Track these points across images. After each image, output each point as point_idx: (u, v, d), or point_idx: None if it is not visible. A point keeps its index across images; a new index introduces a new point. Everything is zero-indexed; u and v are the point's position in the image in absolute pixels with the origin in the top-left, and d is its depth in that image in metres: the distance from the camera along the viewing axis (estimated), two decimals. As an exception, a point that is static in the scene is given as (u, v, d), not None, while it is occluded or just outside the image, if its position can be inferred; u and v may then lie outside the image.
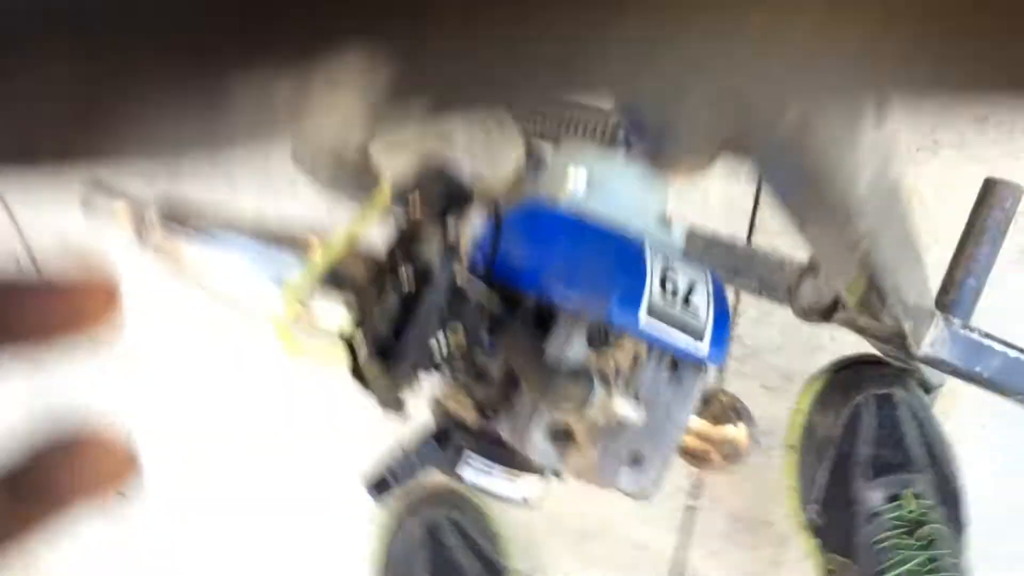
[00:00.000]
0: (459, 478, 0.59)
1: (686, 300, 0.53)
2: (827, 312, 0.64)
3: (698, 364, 0.55)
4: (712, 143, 0.28)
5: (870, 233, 0.33)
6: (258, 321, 0.68)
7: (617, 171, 0.59)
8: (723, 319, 0.54)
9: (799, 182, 0.27)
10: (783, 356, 1.24)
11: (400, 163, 0.63)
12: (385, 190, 0.65)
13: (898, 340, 0.64)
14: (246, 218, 0.65)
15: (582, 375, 0.48)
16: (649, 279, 0.51)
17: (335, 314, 0.64)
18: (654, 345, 0.52)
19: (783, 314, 1.06)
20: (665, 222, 0.60)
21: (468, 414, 0.58)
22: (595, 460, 0.53)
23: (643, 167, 0.63)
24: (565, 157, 0.61)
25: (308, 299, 0.64)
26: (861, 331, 0.68)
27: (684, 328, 0.52)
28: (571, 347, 0.52)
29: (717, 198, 1.32)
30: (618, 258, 0.52)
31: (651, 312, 0.51)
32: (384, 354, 0.51)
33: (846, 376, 0.89)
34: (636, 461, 0.55)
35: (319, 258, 0.62)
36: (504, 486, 0.60)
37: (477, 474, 0.59)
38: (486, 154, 0.60)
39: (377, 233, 0.80)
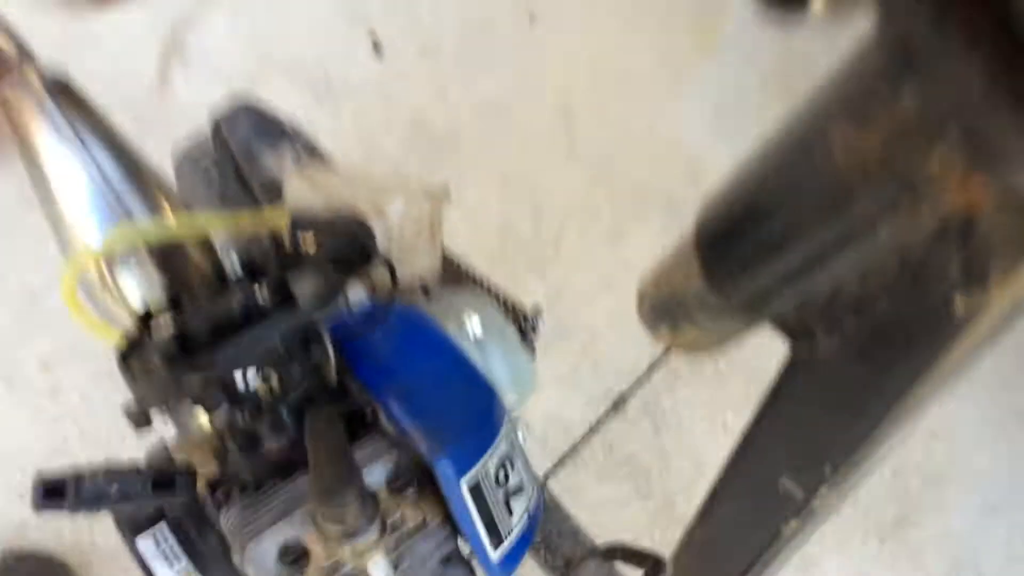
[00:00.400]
0: (131, 544, 0.46)
1: (507, 500, 0.48)
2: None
3: (471, 572, 0.48)
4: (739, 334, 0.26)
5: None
6: (58, 245, 0.55)
7: (506, 347, 0.56)
8: (525, 543, 0.49)
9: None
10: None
11: (316, 201, 0.58)
12: (284, 212, 0.58)
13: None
14: (126, 143, 0.56)
15: (369, 504, 0.40)
16: (490, 454, 0.46)
17: (147, 284, 0.53)
18: (448, 525, 0.46)
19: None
20: (519, 418, 0.56)
21: (199, 476, 0.47)
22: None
23: (525, 360, 0.61)
24: (470, 301, 0.58)
25: (122, 257, 0.54)
26: None
27: (491, 524, 0.46)
28: (372, 469, 0.44)
29: (546, 414, 1.32)
30: (477, 414, 0.47)
31: (472, 488, 0.45)
32: (183, 349, 0.42)
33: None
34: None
35: (163, 226, 0.53)
36: (175, 583, 0.47)
37: (155, 553, 0.46)
38: (408, 244, 0.55)
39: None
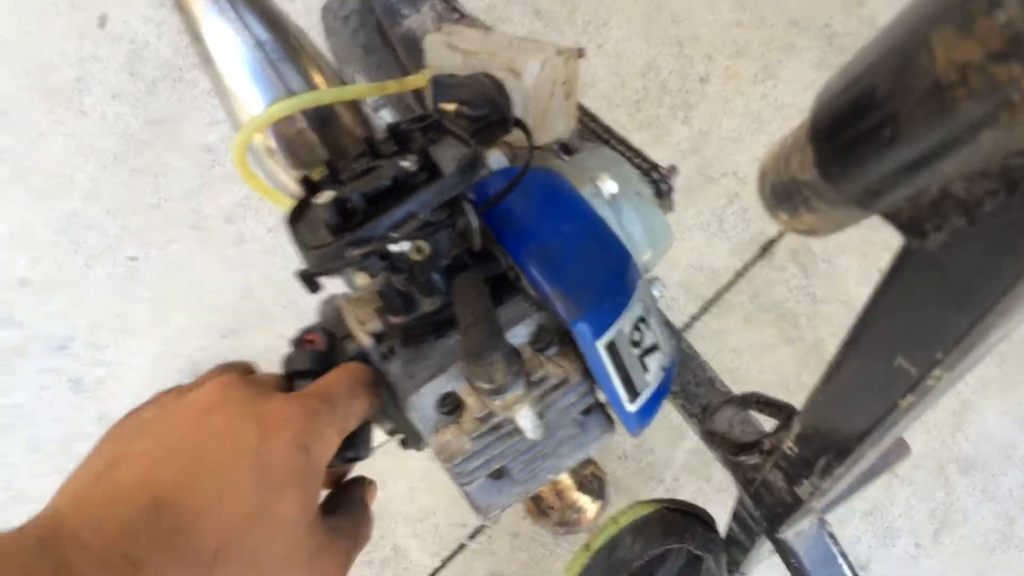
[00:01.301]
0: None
1: (643, 357, 0.50)
2: (739, 447, 0.63)
3: (610, 423, 0.52)
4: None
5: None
6: (225, 112, 0.60)
7: (641, 206, 0.57)
8: (660, 395, 0.52)
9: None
10: (624, 467, 1.25)
11: (454, 62, 0.58)
12: (423, 76, 0.59)
13: (770, 510, 0.63)
14: (281, 15, 0.58)
15: (515, 362, 0.43)
16: (625, 316, 0.48)
17: (307, 156, 0.57)
18: (589, 380, 0.49)
19: (647, 430, 1.07)
20: (656, 277, 0.58)
21: (361, 331, 0.52)
22: (465, 449, 0.48)
23: (661, 218, 0.62)
24: (605, 162, 0.58)
25: (284, 129, 0.58)
26: (749, 482, 0.67)
27: (627, 380, 0.49)
28: (516, 330, 0.48)
29: (659, 299, 1.35)
30: (612, 276, 0.49)
31: (609, 347, 0.47)
32: (344, 220, 0.45)
33: (675, 519, 0.88)
34: (499, 476, 0.51)
35: (319, 94, 0.56)
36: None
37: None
38: (544, 106, 0.56)
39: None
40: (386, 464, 1.17)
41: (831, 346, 1.29)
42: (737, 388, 1.30)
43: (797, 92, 1.41)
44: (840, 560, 0.64)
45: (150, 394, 0.45)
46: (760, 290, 1.35)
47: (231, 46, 0.55)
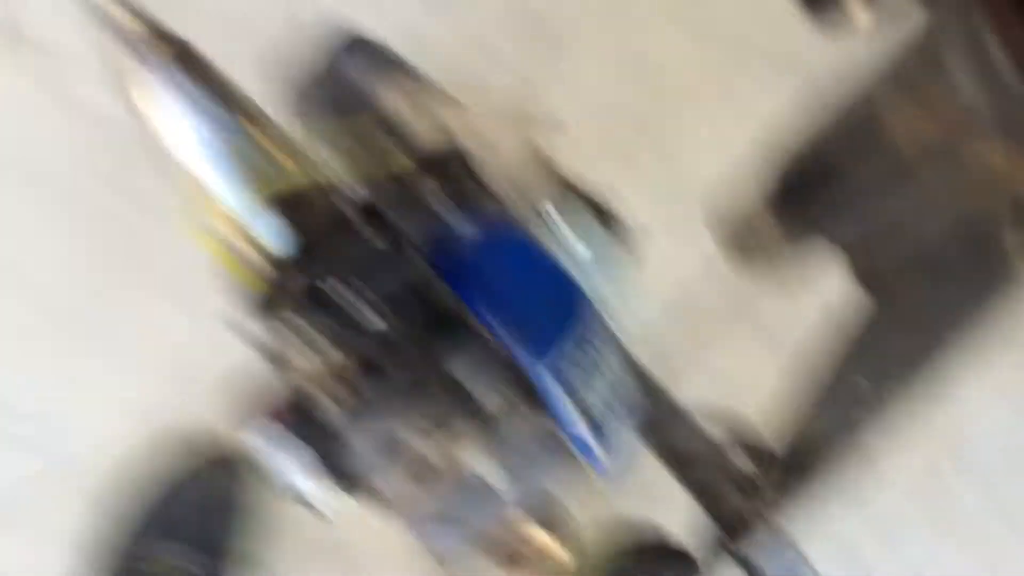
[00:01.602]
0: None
1: (608, 397, 0.49)
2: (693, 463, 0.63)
3: (572, 461, 0.50)
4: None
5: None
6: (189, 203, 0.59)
7: (609, 267, 0.56)
8: (627, 435, 0.51)
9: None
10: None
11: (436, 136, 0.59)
12: (402, 156, 0.59)
13: (731, 527, 0.62)
14: (250, 101, 0.57)
15: (470, 407, 0.42)
16: (584, 357, 0.47)
17: (276, 236, 0.56)
18: (551, 420, 0.47)
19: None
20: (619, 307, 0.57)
21: (306, 379, 0.51)
22: (421, 497, 0.47)
23: (618, 255, 0.61)
24: (576, 223, 0.58)
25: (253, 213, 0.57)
26: (705, 497, 0.66)
27: (591, 422, 0.47)
28: (475, 375, 0.46)
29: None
30: (570, 320, 0.48)
31: (570, 388, 0.46)
32: (315, 303, 0.45)
33: (647, 548, 0.87)
34: (458, 523, 0.50)
35: (287, 176, 0.55)
36: (293, 475, 0.52)
37: (290, 464, 0.51)
38: (514, 172, 0.56)
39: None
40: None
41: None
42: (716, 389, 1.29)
43: (766, 126, 1.41)
44: (804, 569, 0.63)
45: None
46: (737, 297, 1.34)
47: (197, 139, 0.53)
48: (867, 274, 0.21)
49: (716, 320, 1.32)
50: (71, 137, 1.41)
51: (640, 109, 1.42)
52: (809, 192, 0.20)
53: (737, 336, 1.31)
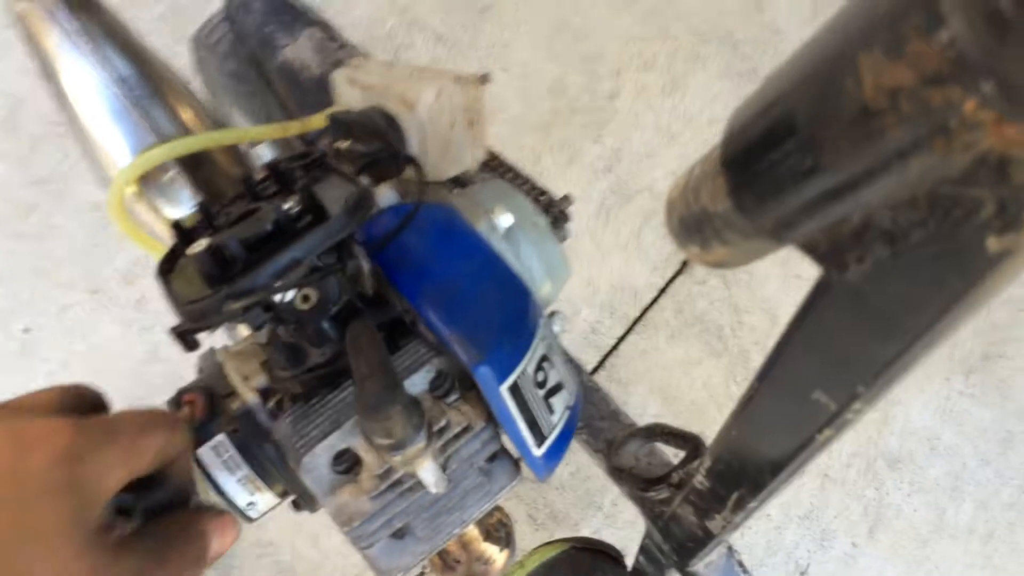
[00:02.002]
0: (194, 455, 0.49)
1: (547, 398, 0.48)
2: (647, 482, 0.61)
3: (516, 469, 0.49)
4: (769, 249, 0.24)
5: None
6: (89, 165, 0.56)
7: (537, 238, 0.55)
8: (567, 436, 0.49)
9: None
10: (562, 497, 1.22)
11: (356, 98, 0.55)
12: (320, 118, 0.56)
13: (680, 544, 0.61)
14: (144, 48, 0.54)
15: (414, 414, 0.40)
16: (528, 357, 0.46)
17: (181, 199, 0.53)
18: (493, 425, 0.46)
19: (581, 457, 1.05)
20: (557, 312, 0.55)
21: (245, 388, 0.48)
22: (364, 510, 0.45)
23: (558, 250, 0.60)
24: (498, 193, 0.56)
25: (154, 175, 0.53)
26: (657, 516, 0.66)
27: (532, 423, 0.46)
28: (414, 378, 0.45)
29: (583, 323, 1.34)
30: (512, 316, 0.46)
31: (513, 389, 0.45)
32: (222, 269, 0.42)
33: (582, 558, 0.86)
34: (402, 535, 0.48)
35: (192, 139, 0.52)
36: (238, 490, 0.50)
37: (217, 463, 0.48)
38: (444, 137, 0.53)
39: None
40: (318, 518, 1.12)
41: (756, 355, 1.29)
42: (669, 406, 1.29)
43: (705, 103, 1.43)
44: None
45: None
46: (683, 305, 1.35)
47: (89, 83, 0.50)
48: (817, 248, 0.20)
49: (661, 319, 1.34)
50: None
51: (571, 85, 1.42)
52: (767, 156, 0.19)
53: (681, 338, 1.33)
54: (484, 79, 0.55)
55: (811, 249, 0.21)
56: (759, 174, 0.21)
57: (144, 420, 0.40)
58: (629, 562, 0.80)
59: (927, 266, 0.18)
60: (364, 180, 0.45)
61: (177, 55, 0.81)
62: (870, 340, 0.22)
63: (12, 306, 1.31)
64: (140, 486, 0.40)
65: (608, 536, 1.21)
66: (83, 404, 0.41)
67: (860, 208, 0.18)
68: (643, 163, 1.41)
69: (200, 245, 0.43)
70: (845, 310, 0.22)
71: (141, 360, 1.28)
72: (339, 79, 0.57)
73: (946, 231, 0.17)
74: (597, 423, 0.74)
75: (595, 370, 1.33)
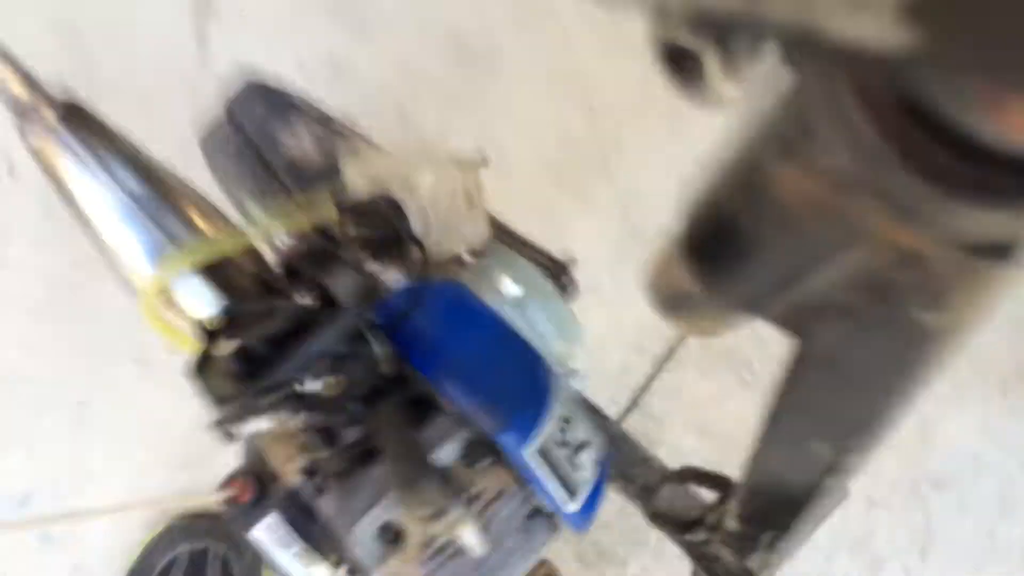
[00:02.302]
0: (246, 537, 0.51)
1: (574, 455, 0.49)
2: (684, 526, 0.62)
3: (554, 523, 0.51)
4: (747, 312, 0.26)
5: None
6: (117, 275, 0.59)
7: (544, 302, 0.57)
8: (599, 489, 0.51)
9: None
10: (608, 535, 1.22)
11: (364, 185, 0.58)
12: (330, 207, 0.59)
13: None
14: (147, 157, 0.58)
15: (447, 484, 0.43)
16: (550, 417, 0.48)
17: (203, 301, 0.56)
18: (526, 486, 0.48)
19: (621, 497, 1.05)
20: (570, 370, 0.57)
21: (288, 469, 0.51)
22: (412, 576, 0.47)
23: (566, 311, 0.62)
24: (503, 262, 0.58)
25: (176, 279, 0.57)
26: (701, 556, 0.66)
27: (564, 481, 0.48)
28: (445, 449, 0.47)
29: (613, 363, 1.34)
30: (528, 382, 0.48)
31: (540, 451, 0.47)
32: (249, 367, 0.45)
33: None
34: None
35: (208, 244, 0.55)
36: (295, 565, 0.52)
37: (271, 540, 0.51)
38: (444, 218, 0.56)
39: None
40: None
41: (785, 385, 1.28)
42: (705, 440, 1.29)
43: (712, 134, 1.45)
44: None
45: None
46: (710, 341, 1.36)
47: (104, 202, 0.54)
48: (787, 323, 0.22)
49: (689, 356, 1.34)
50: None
51: (576, 130, 1.45)
52: (714, 245, 0.21)
53: (711, 372, 1.33)
54: (483, 162, 0.59)
55: (783, 324, 0.23)
56: (712, 262, 0.23)
57: None
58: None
59: (882, 337, 0.20)
60: (371, 265, 0.48)
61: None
62: (848, 399, 0.24)
63: (67, 381, 1.36)
64: None
65: (656, 572, 1.20)
66: None
67: (813, 291, 0.21)
68: (656, 204, 1.43)
69: (227, 347, 0.46)
70: (822, 376, 0.24)
71: (191, 425, 1.31)
72: (347, 170, 0.61)
73: (889, 309, 0.19)
74: (630, 470, 0.75)
75: (629, 409, 1.33)
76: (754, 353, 1.33)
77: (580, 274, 0.64)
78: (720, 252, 0.22)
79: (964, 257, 0.15)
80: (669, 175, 1.45)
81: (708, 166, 0.22)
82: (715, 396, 1.31)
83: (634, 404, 1.32)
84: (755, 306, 0.23)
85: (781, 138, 0.17)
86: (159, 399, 1.36)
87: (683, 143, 1.47)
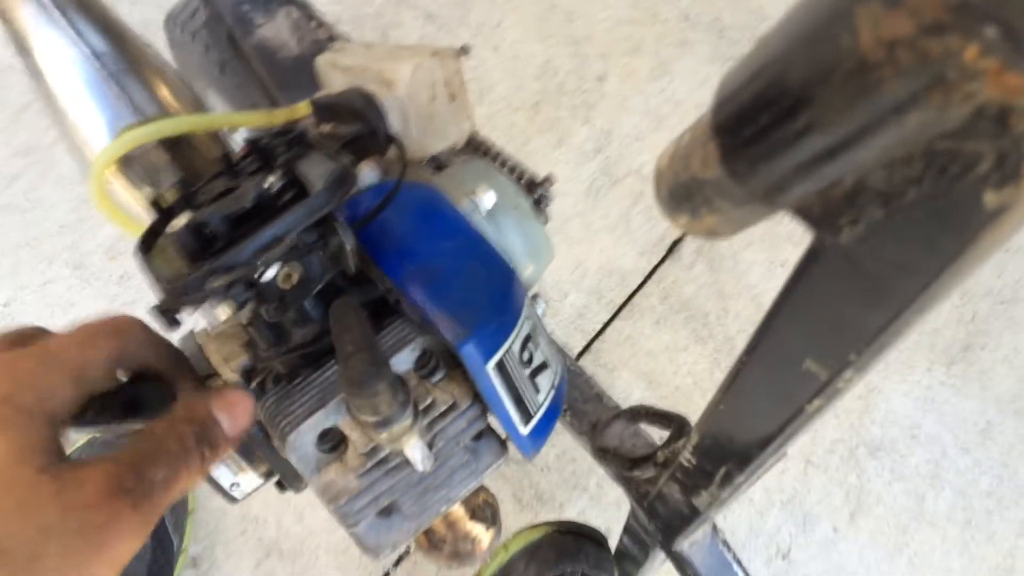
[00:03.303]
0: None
1: (533, 378, 0.47)
2: (632, 462, 0.61)
3: (502, 446, 0.49)
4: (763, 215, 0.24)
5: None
6: (66, 145, 0.54)
7: (520, 219, 0.54)
8: (553, 415, 0.49)
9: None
10: (547, 478, 1.22)
11: (339, 81, 0.54)
12: (305, 105, 0.55)
13: (666, 523, 0.61)
14: (119, 22, 0.53)
15: (400, 391, 0.40)
16: (514, 335, 0.45)
17: (160, 177, 0.52)
18: (479, 403, 0.46)
19: (566, 439, 1.04)
20: (538, 293, 0.55)
21: (227, 369, 0.48)
22: (351, 488, 0.44)
23: (540, 230, 0.59)
24: (480, 174, 0.55)
25: (133, 155, 0.52)
26: (643, 496, 0.66)
27: (519, 401, 0.46)
28: (400, 356, 0.44)
29: (570, 307, 1.33)
30: (497, 294, 0.46)
31: (499, 367, 0.44)
32: (203, 245, 0.41)
33: (566, 541, 0.86)
34: (388, 513, 0.47)
35: (174, 120, 0.51)
36: (221, 471, 0.49)
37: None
38: (426, 113, 0.52)
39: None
40: (304, 494, 1.12)
41: (741, 342, 1.30)
42: (654, 391, 1.30)
43: (693, 87, 1.43)
44: (736, 567, 0.63)
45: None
46: (669, 291, 1.35)
47: (65, 59, 0.49)
48: (808, 212, 0.20)
49: (648, 305, 1.34)
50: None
51: (559, 65, 1.41)
52: (760, 119, 0.18)
53: (667, 324, 1.33)
54: (463, 51, 0.55)
55: (804, 213, 0.21)
56: (752, 138, 0.20)
57: (85, 334, 0.39)
58: (613, 542, 0.81)
59: (922, 226, 0.18)
60: (346, 158, 0.44)
61: (158, 26, 0.80)
62: (862, 306, 0.22)
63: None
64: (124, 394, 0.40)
65: (593, 517, 1.21)
66: (25, 341, 0.39)
67: (855, 168, 0.18)
68: (632, 146, 1.40)
69: (181, 222, 0.42)
70: (837, 275, 0.22)
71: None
72: (322, 63, 0.56)
73: (942, 188, 0.16)
74: (581, 406, 0.74)
75: (581, 354, 1.32)
76: (712, 307, 1.33)
77: (549, 210, 0.61)
78: (760, 126, 0.19)
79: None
80: (647, 120, 1.43)
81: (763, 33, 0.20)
82: (668, 348, 1.31)
83: (586, 349, 1.32)
84: (781, 192, 0.21)
85: None
86: (92, 308, 1.31)
87: (664, 90, 1.45)
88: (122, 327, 0.40)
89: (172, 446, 0.37)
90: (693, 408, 0.61)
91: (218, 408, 0.40)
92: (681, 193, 0.25)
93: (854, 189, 0.19)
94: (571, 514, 1.21)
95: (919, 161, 0.16)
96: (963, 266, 0.18)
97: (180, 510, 1.10)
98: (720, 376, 1.35)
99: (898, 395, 1.33)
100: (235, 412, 0.40)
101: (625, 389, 1.28)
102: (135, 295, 1.29)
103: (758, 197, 0.21)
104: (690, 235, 0.29)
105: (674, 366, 1.30)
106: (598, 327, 1.32)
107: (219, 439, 0.39)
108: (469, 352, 0.43)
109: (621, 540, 0.73)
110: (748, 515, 1.26)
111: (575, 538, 0.81)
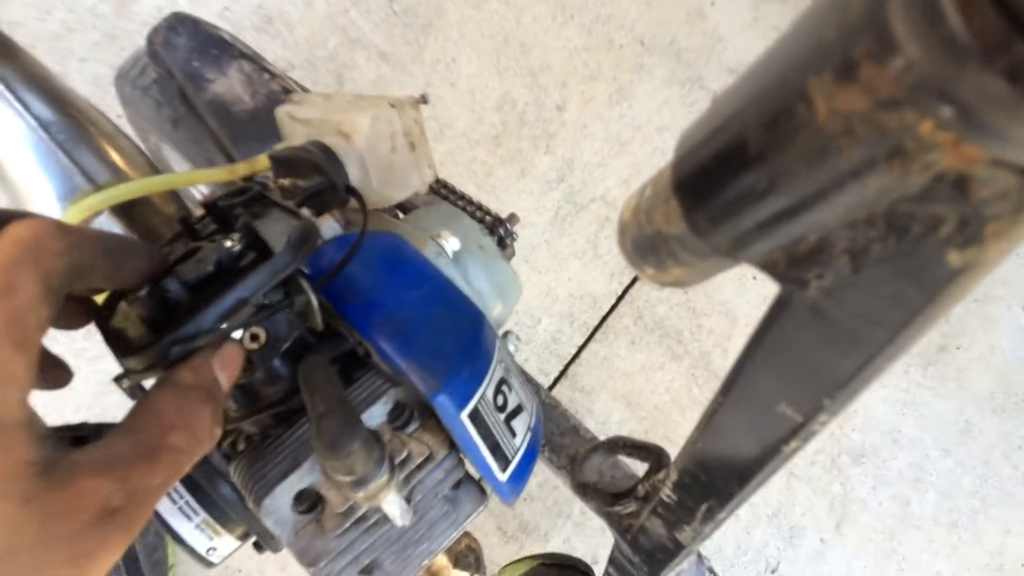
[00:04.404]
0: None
1: (508, 422, 0.47)
2: (613, 497, 0.60)
3: (482, 493, 0.48)
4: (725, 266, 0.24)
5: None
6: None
7: (485, 260, 0.54)
8: (531, 457, 0.48)
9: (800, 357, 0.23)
10: (531, 508, 1.21)
11: (299, 134, 0.54)
12: (265, 159, 0.54)
13: (650, 556, 0.61)
14: (63, 89, 0.51)
15: (375, 448, 0.39)
16: (487, 381, 0.45)
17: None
18: (455, 452, 0.45)
19: (545, 470, 1.04)
20: (509, 331, 0.55)
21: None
22: (329, 549, 0.43)
23: (507, 269, 0.59)
24: (443, 217, 0.55)
25: (88, 221, 0.51)
26: (626, 529, 0.65)
27: (495, 448, 0.45)
28: (372, 411, 0.43)
29: (544, 332, 1.33)
30: (467, 341, 0.45)
31: (473, 416, 0.44)
32: (165, 313, 0.40)
33: (551, 574, 0.85)
34: (370, 571, 0.46)
35: (126, 185, 0.50)
36: (196, 536, 0.48)
37: (173, 511, 0.46)
38: (386, 164, 0.52)
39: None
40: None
41: (717, 357, 1.30)
42: (633, 411, 1.29)
43: (653, 111, 1.44)
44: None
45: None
46: (642, 311, 1.35)
47: (11, 131, 0.48)
48: (774, 266, 0.20)
49: (621, 326, 1.34)
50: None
51: (517, 97, 1.42)
52: (719, 179, 0.18)
53: (641, 343, 1.33)
54: (422, 99, 0.54)
55: (769, 268, 0.21)
56: (712, 197, 0.20)
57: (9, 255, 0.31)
58: (599, 569, 0.80)
59: (887, 281, 0.18)
60: (306, 213, 0.43)
61: (109, 82, 0.78)
62: (832, 354, 0.22)
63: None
64: None
65: (578, 545, 1.20)
66: None
67: (817, 228, 0.18)
68: (595, 172, 1.41)
69: (140, 289, 0.41)
70: (806, 326, 0.22)
71: (96, 391, 1.24)
72: (281, 116, 0.56)
73: (907, 248, 0.16)
74: (559, 439, 0.73)
75: (557, 379, 1.32)
76: (685, 324, 1.34)
77: (516, 242, 0.61)
78: (720, 187, 0.19)
79: (1018, 181, 0.13)
80: (609, 146, 1.44)
81: (718, 92, 0.20)
82: (644, 367, 1.31)
83: (563, 374, 1.32)
84: (744, 248, 0.20)
85: (821, 40, 0.14)
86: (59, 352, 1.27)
87: (624, 115, 1.46)
88: (30, 245, 0.32)
89: (179, 440, 0.34)
90: (672, 426, 0.61)
91: (219, 367, 0.38)
92: (646, 245, 0.25)
93: (818, 246, 0.19)
94: (556, 543, 1.20)
95: (882, 222, 0.16)
96: (931, 317, 0.18)
97: (160, 566, 1.07)
98: (697, 392, 1.35)
99: (877, 400, 1.34)
100: (231, 368, 0.39)
101: (604, 412, 1.28)
102: (102, 348, 1.26)
103: (722, 252, 0.21)
104: (655, 285, 0.29)
105: (651, 385, 1.30)
106: (573, 351, 1.32)
107: (220, 399, 0.37)
108: (442, 403, 0.42)
109: (606, 571, 0.72)
110: (735, 531, 1.25)
111: (560, 571, 0.80)
